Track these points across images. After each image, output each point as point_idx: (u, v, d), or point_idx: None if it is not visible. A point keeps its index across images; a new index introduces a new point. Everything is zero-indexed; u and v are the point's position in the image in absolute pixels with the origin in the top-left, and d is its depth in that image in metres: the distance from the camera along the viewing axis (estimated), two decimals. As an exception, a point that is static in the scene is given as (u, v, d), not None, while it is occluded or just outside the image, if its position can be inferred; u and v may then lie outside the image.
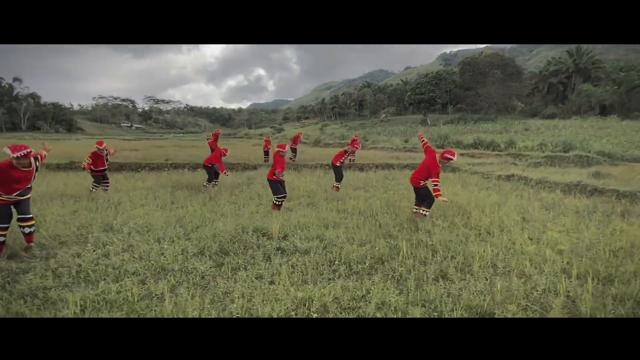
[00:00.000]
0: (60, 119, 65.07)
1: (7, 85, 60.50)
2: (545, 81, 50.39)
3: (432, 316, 2.54)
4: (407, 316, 2.52)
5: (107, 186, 7.55)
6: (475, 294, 2.84)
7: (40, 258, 3.61)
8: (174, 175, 10.43)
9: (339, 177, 8.10)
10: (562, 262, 3.54)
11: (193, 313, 2.41)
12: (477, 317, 2.57)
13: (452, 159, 5.12)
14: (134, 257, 3.58)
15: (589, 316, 2.53)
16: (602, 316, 2.52)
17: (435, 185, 5.03)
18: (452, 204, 6.20)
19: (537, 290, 2.92)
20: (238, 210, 6.00)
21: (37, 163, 4.01)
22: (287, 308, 2.59)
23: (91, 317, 2.42)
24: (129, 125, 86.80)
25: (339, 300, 2.75)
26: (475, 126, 36.26)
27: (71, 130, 63.51)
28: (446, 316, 2.53)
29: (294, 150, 14.60)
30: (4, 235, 3.73)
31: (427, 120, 47.85)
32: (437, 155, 5.24)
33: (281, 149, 5.96)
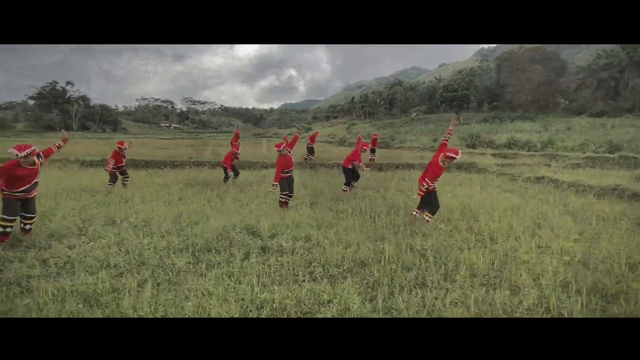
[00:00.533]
0: (107, 120, 70.05)
1: (61, 89, 66.07)
2: (595, 76, 46.36)
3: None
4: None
5: (127, 180, 7.98)
6: (450, 305, 2.61)
7: (39, 248, 3.84)
8: (193, 172, 10.79)
9: (348, 180, 7.91)
10: (566, 274, 3.17)
11: (146, 309, 2.42)
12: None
13: (455, 158, 4.78)
14: (120, 251, 3.70)
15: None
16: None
17: (423, 186, 4.78)
18: (461, 206, 5.84)
19: (523, 305, 2.63)
20: (240, 207, 6.05)
21: (41, 160, 4.29)
22: (245, 309, 2.53)
23: (56, 307, 2.50)
24: (167, 125, 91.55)
25: (302, 303, 2.64)
26: (512, 125, 34.16)
27: (116, 129, 68.14)
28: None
29: (311, 150, 14.59)
30: (11, 227, 4.02)
31: (460, 118, 45.80)
32: (441, 155, 4.94)
33: (277, 148, 5.91)
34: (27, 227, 4.24)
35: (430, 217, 4.97)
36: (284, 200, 6.02)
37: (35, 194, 4.31)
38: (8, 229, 4.01)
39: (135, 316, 2.35)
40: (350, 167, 7.94)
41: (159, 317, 2.36)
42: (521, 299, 2.74)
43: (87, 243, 3.94)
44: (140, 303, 2.49)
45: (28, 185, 4.13)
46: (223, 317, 2.35)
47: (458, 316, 2.45)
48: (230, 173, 8.72)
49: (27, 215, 4.21)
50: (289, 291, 2.79)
